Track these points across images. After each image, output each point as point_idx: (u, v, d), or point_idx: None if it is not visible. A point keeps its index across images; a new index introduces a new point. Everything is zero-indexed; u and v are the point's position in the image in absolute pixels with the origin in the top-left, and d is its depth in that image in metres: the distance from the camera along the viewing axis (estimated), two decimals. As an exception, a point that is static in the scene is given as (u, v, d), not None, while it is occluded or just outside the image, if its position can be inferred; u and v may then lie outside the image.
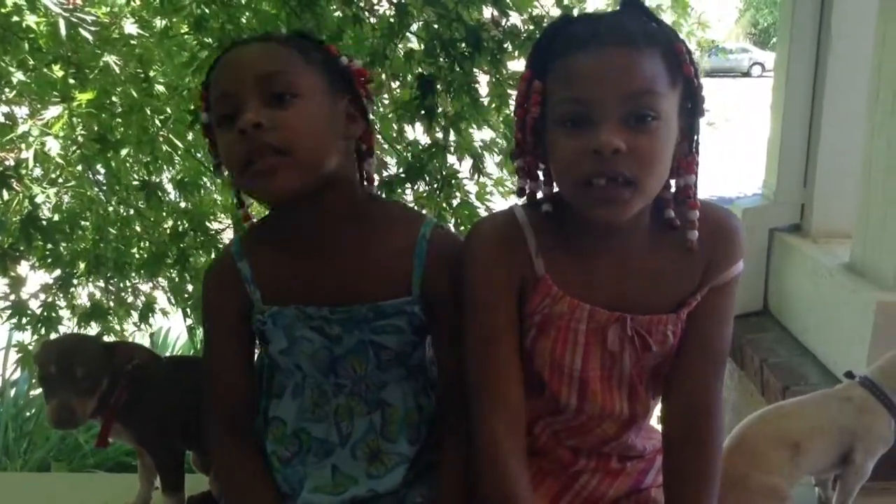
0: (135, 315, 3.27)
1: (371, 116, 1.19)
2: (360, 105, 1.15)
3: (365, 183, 1.22)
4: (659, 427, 1.24)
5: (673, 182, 1.07)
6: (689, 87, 1.01)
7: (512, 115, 2.68)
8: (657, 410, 1.24)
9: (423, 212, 2.63)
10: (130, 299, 3.33)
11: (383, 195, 2.58)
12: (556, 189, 1.09)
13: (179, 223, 2.92)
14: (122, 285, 3.24)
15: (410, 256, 1.14)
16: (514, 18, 2.64)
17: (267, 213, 1.22)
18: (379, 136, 2.84)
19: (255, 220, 1.22)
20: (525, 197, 1.10)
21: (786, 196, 2.86)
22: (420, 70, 2.60)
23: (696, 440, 1.14)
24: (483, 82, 2.67)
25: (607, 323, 1.10)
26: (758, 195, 3.12)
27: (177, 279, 3.01)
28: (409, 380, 1.21)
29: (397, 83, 2.88)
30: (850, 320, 2.23)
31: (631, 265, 1.09)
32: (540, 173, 1.09)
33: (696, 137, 1.05)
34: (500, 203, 2.91)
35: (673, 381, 1.16)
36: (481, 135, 2.92)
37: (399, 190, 2.66)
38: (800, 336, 2.64)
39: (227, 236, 2.94)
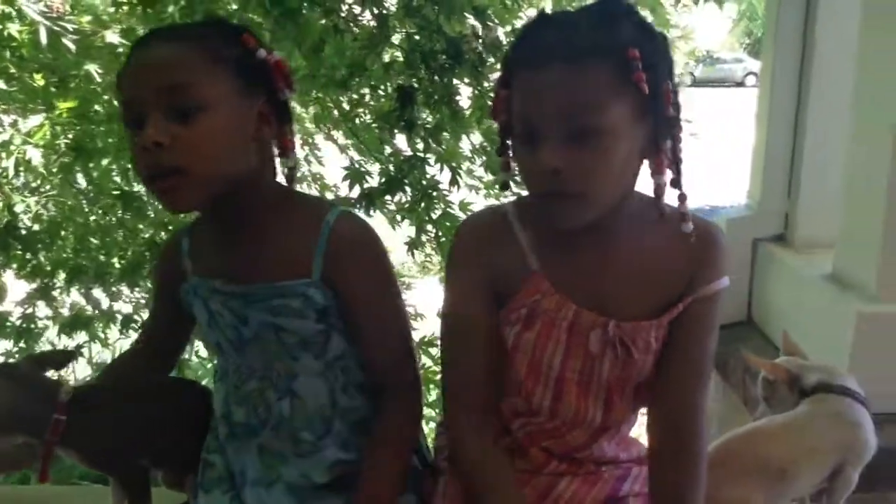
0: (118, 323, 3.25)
1: (292, 113, 1.16)
2: (277, 103, 1.12)
3: (282, 178, 1.20)
4: (640, 439, 1.23)
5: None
6: (642, 94, 0.97)
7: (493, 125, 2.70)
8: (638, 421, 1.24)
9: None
10: (116, 307, 3.33)
11: (364, 206, 2.57)
12: None
13: (157, 234, 2.90)
14: (106, 293, 3.23)
15: (313, 240, 1.12)
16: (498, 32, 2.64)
17: None
18: (362, 146, 2.84)
19: None
20: (507, 190, 1.13)
21: (769, 206, 2.85)
22: (400, 81, 2.60)
23: (679, 453, 1.13)
24: (465, 94, 2.67)
25: (592, 326, 1.10)
26: (743, 205, 3.11)
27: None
28: (326, 375, 1.19)
29: (377, 94, 2.87)
30: (831, 331, 2.21)
31: (617, 261, 1.09)
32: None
33: (661, 139, 1.02)
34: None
35: (656, 393, 1.16)
36: (469, 140, 2.92)
37: (379, 201, 2.65)
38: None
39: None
